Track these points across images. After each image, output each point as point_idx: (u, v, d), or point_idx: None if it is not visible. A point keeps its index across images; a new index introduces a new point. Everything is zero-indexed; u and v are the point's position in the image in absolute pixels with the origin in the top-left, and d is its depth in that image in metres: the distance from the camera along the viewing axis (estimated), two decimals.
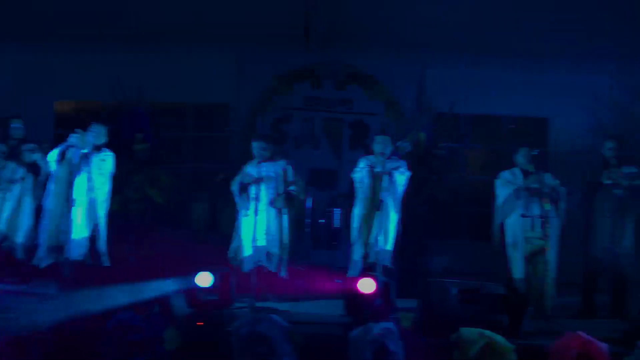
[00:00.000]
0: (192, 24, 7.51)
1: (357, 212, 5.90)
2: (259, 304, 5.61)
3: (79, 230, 5.64)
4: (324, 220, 8.03)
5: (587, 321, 5.55)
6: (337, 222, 7.71)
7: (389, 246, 5.73)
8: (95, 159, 5.78)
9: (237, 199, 6.03)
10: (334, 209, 7.79)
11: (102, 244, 5.76)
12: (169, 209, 7.21)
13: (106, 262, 5.72)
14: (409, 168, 6.02)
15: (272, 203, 5.94)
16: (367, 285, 4.96)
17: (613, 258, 5.73)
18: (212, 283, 4.99)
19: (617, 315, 5.66)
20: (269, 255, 5.91)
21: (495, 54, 7.87)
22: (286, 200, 6.00)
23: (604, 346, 4.37)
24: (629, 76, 8.15)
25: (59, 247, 5.55)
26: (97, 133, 5.79)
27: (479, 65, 8.10)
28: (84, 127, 5.77)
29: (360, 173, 5.92)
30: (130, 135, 7.49)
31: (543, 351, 4.46)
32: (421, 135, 7.50)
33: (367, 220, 5.75)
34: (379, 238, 5.68)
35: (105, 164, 5.85)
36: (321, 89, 8.50)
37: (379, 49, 8.06)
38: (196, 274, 5.06)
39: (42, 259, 5.62)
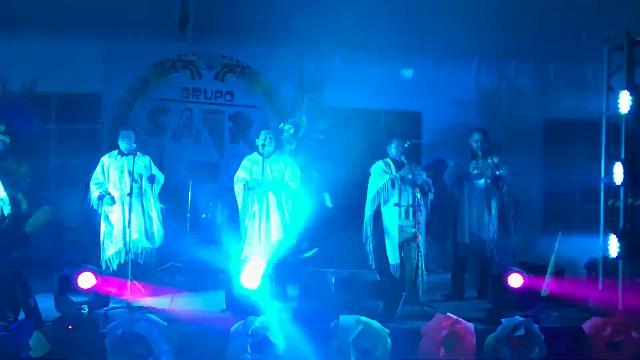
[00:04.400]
0: (57, 9, 7.03)
1: (244, 210, 5.87)
2: (135, 304, 5.41)
3: None
4: (205, 215, 7.90)
5: (456, 303, 5.90)
6: (221, 217, 7.60)
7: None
8: None
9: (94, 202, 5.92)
10: (219, 204, 7.67)
11: None
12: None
13: None
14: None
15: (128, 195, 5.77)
16: (249, 279, 4.94)
17: (479, 243, 6.12)
18: (93, 283, 4.74)
19: (483, 297, 6.07)
20: (141, 250, 5.75)
21: (368, 50, 8.12)
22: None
23: (470, 325, 4.70)
24: (490, 72, 8.76)
25: None
26: None
27: (353, 59, 8.33)
28: None
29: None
30: None
31: (416, 333, 4.71)
32: (303, 118, 7.55)
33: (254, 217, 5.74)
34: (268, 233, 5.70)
35: None
36: (200, 79, 8.31)
37: (257, 40, 8.02)
38: (70, 274, 4.78)
39: None
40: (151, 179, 5.88)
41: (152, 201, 6.01)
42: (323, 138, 7.86)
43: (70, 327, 4.47)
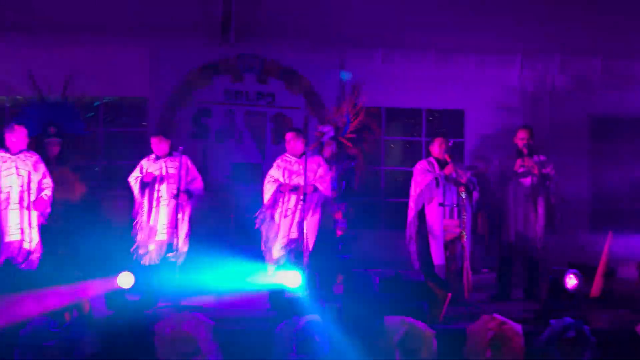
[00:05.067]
0: (103, 15, 7.23)
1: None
2: (183, 302, 5.51)
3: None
4: (248, 216, 7.99)
5: (503, 303, 5.80)
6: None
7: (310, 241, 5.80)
8: None
9: (137, 194, 6.03)
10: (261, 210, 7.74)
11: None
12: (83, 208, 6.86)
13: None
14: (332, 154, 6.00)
15: (174, 198, 5.85)
16: (292, 279, 4.98)
17: (526, 242, 6.02)
18: (133, 283, 4.85)
19: (530, 297, 5.96)
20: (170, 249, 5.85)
21: (409, 49, 8.08)
22: (186, 197, 5.98)
23: (517, 326, 4.61)
24: (534, 68, 8.59)
25: None
26: None
27: (394, 59, 8.30)
28: None
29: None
30: (39, 130, 7.10)
31: (462, 334, 4.66)
32: (343, 120, 7.57)
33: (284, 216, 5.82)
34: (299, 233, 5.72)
35: None
36: (242, 82, 8.42)
37: (297, 42, 8.08)
38: (117, 274, 4.90)
39: None
40: (187, 194, 5.96)
41: (184, 204, 6.07)
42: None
43: (121, 325, 4.58)
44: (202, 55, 8.24)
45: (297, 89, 8.48)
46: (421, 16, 7.34)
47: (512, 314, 4.95)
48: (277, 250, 5.84)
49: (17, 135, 5.57)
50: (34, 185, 5.62)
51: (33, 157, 5.69)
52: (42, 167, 5.72)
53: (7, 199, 5.49)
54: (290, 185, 5.82)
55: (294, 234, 5.79)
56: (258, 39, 8.17)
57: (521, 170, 6.00)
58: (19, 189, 5.53)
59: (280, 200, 5.90)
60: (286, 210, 5.87)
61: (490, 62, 8.47)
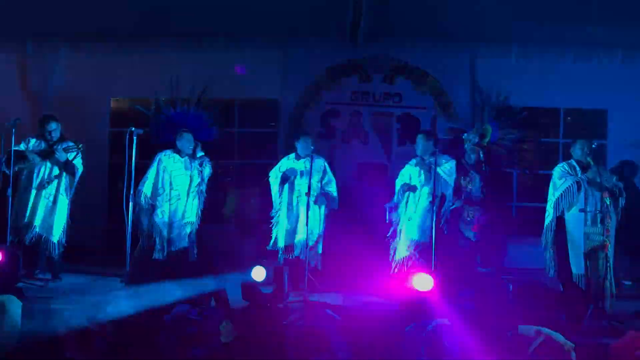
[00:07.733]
0: (239, 20, 7.57)
1: (401, 210, 6.00)
2: (312, 298, 5.65)
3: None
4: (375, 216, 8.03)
5: None
6: (389, 217, 7.68)
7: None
8: None
9: (276, 192, 6.25)
10: (385, 205, 7.75)
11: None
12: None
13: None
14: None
15: (315, 199, 6.02)
16: (422, 282, 4.92)
17: None
18: (265, 277, 5.05)
19: None
20: (308, 247, 5.99)
21: (546, 44, 7.67)
22: (324, 197, 6.23)
23: None
24: None
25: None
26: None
27: (530, 55, 7.93)
28: (137, 124, 5.95)
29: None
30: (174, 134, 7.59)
31: (604, 351, 4.34)
32: (488, 127, 7.39)
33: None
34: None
35: None
36: (369, 83, 8.46)
37: (426, 41, 7.97)
38: (251, 268, 5.12)
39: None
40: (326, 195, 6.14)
41: (321, 205, 6.24)
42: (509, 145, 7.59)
43: (254, 316, 4.77)
44: (331, 57, 8.40)
45: (425, 88, 8.37)
46: (559, 7, 6.94)
47: None
48: (402, 250, 5.83)
49: (184, 141, 6.35)
50: (193, 184, 6.32)
51: (198, 161, 6.39)
52: (206, 171, 6.37)
53: (178, 194, 6.27)
54: (409, 185, 5.83)
55: (416, 236, 5.74)
56: (386, 39, 8.17)
57: None
58: (182, 187, 6.28)
59: (405, 201, 5.85)
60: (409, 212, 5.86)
61: (638, 58, 7.83)
